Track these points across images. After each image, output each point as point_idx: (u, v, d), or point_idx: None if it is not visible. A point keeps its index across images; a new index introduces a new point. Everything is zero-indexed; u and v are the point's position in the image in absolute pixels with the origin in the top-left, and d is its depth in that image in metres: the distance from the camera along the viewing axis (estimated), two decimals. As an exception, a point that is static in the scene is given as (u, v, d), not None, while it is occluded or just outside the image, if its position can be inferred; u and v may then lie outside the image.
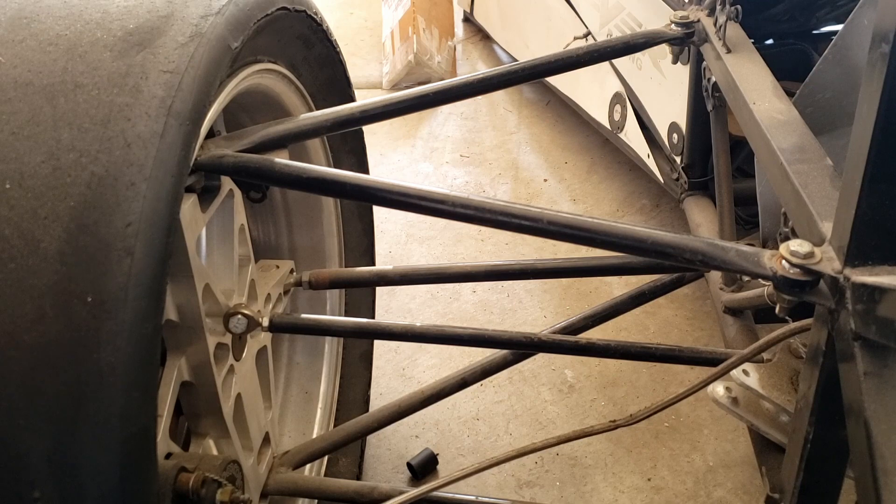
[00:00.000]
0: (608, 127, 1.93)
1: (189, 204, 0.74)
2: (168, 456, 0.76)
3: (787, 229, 0.83)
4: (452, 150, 2.35)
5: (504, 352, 1.10)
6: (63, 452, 0.50)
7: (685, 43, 1.21)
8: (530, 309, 1.71)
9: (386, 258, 1.84)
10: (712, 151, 1.26)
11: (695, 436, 1.38)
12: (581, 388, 1.49)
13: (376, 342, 1.34)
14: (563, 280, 1.76)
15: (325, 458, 1.19)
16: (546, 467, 1.33)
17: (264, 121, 0.83)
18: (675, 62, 1.31)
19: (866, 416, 0.56)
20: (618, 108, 1.87)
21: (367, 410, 1.28)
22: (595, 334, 0.97)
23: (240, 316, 0.77)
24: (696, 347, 0.86)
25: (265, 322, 0.70)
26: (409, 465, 1.32)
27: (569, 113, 2.38)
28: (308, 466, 1.13)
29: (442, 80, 0.91)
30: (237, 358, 0.86)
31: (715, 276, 1.23)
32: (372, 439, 1.36)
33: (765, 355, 0.86)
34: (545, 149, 2.34)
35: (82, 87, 0.56)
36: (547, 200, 2.11)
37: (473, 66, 2.94)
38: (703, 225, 1.38)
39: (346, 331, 0.73)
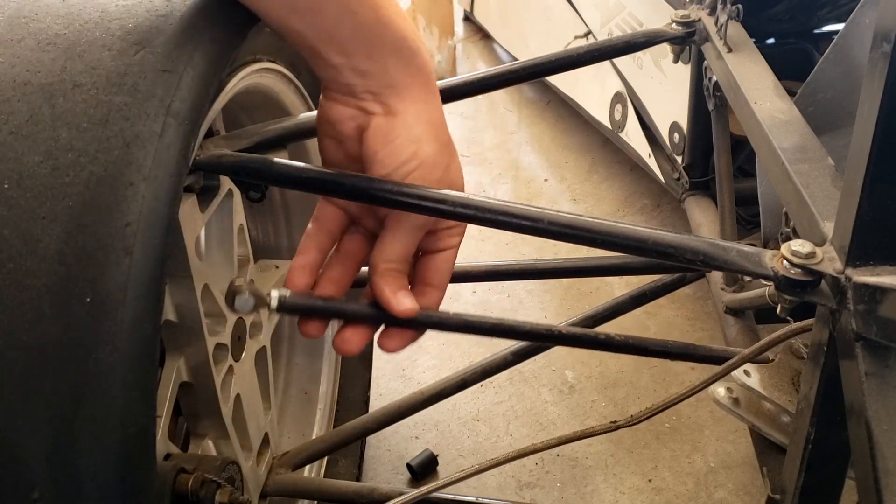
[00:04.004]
0: (609, 126, 1.93)
1: (188, 204, 0.74)
2: (167, 457, 0.76)
3: (788, 229, 0.83)
4: (453, 149, 2.35)
5: (504, 352, 1.10)
6: (62, 453, 0.50)
7: (686, 42, 1.21)
8: (531, 309, 1.71)
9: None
10: (713, 151, 1.26)
11: (696, 437, 1.37)
12: (582, 388, 1.49)
13: (375, 343, 1.33)
14: (564, 280, 1.76)
15: (325, 459, 1.19)
16: (546, 468, 1.33)
17: (263, 120, 0.82)
18: (676, 61, 1.31)
19: (867, 416, 0.56)
20: (618, 107, 1.86)
21: (366, 411, 1.27)
22: (595, 334, 0.96)
23: (247, 294, 0.65)
24: (710, 346, 0.86)
25: (274, 303, 0.65)
26: (408, 466, 1.32)
27: (569, 112, 2.38)
28: (307, 467, 1.13)
29: (442, 79, 0.91)
30: (236, 358, 0.86)
31: (716, 277, 1.23)
32: (371, 440, 1.36)
33: (769, 355, 0.86)
34: (545, 148, 2.34)
35: (81, 86, 0.56)
36: (547, 200, 2.10)
37: (473, 66, 2.94)
38: (705, 225, 1.38)
39: (359, 315, 0.69)
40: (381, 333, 0.66)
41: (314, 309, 0.65)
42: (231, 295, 0.64)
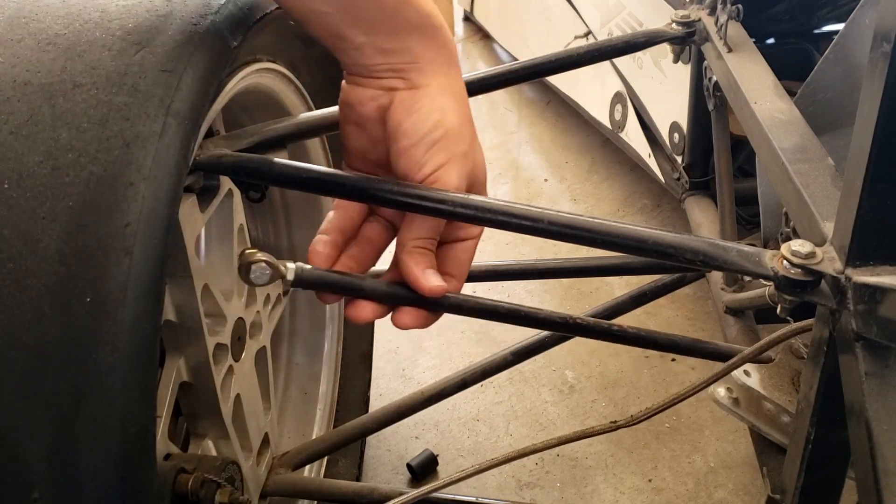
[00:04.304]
0: (609, 126, 1.93)
1: (188, 204, 0.74)
2: (167, 457, 0.76)
3: (788, 229, 0.83)
4: (453, 150, 2.35)
5: (504, 352, 1.10)
6: (62, 453, 0.50)
7: (686, 42, 1.21)
8: (531, 309, 1.71)
9: (386, 257, 1.84)
10: (713, 151, 1.26)
11: (696, 437, 1.37)
12: (582, 388, 1.49)
13: (376, 343, 1.33)
14: (564, 280, 1.76)
15: (325, 459, 1.19)
16: (546, 468, 1.33)
17: (263, 120, 0.82)
18: (676, 61, 1.31)
19: (867, 416, 0.56)
20: (618, 107, 1.86)
21: (366, 411, 1.27)
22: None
23: (263, 264, 0.60)
24: (716, 342, 0.86)
25: (290, 275, 0.60)
26: (408, 466, 1.32)
27: (569, 112, 2.38)
28: (307, 467, 1.13)
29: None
30: (236, 358, 0.86)
31: (716, 277, 1.23)
32: (371, 440, 1.36)
33: (769, 355, 0.86)
34: (545, 148, 2.34)
35: (81, 86, 0.56)
36: (547, 200, 2.10)
37: (473, 66, 2.94)
38: (705, 225, 1.38)
39: (376, 292, 0.69)
40: (396, 312, 0.65)
41: (331, 284, 0.62)
42: (245, 266, 0.60)
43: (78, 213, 0.52)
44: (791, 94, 0.95)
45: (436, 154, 0.61)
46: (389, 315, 0.65)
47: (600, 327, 0.75)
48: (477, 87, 0.97)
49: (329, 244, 0.65)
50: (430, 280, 0.62)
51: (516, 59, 1.66)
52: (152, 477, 0.56)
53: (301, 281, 0.61)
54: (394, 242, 0.68)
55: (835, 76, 0.96)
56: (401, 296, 0.63)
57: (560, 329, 0.75)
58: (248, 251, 0.60)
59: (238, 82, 0.77)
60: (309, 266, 0.62)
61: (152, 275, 0.53)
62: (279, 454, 1.03)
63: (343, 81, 0.64)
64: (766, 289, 0.96)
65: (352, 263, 0.67)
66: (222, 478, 0.75)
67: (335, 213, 0.67)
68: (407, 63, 0.61)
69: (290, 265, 0.61)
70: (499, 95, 2.63)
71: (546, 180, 2.18)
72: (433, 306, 0.64)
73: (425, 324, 0.66)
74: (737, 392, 0.86)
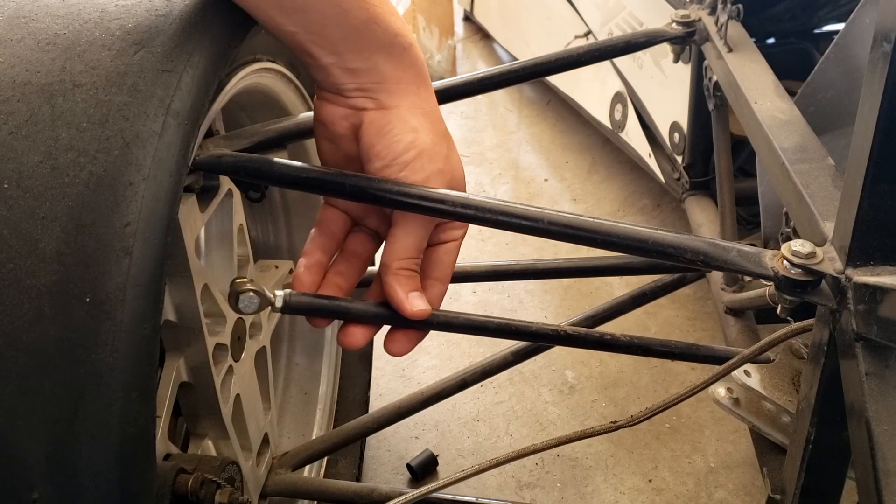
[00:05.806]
0: (609, 126, 1.92)
1: (188, 204, 0.74)
2: (167, 457, 0.76)
3: (788, 229, 0.83)
4: (453, 149, 2.35)
5: (504, 352, 1.10)
6: (62, 453, 0.50)
7: (686, 42, 1.21)
8: (531, 309, 1.71)
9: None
10: (714, 151, 1.26)
11: (696, 437, 1.37)
12: (582, 388, 1.49)
13: (376, 343, 1.33)
14: (564, 280, 1.76)
15: (325, 459, 1.19)
16: (546, 468, 1.33)
17: (263, 120, 0.82)
18: (676, 61, 1.31)
19: (868, 416, 0.56)
20: (619, 107, 1.86)
21: (366, 411, 1.27)
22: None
23: (251, 293, 0.63)
24: (712, 345, 0.86)
25: (279, 303, 0.63)
26: (408, 466, 1.32)
27: (569, 112, 2.38)
28: (307, 468, 1.13)
29: (442, 79, 0.92)
30: (236, 359, 0.86)
31: (716, 277, 1.23)
32: (371, 440, 1.36)
33: (769, 355, 0.86)
34: (546, 148, 2.34)
35: (80, 86, 0.56)
36: (547, 200, 2.10)
37: (473, 65, 2.94)
38: (705, 225, 1.38)
39: (365, 314, 0.69)
40: (387, 338, 0.66)
41: (319, 309, 0.64)
42: (235, 295, 0.63)
43: (77, 214, 0.52)
44: (791, 94, 0.95)
45: (411, 175, 0.61)
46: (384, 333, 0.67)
47: (591, 337, 0.75)
48: (477, 87, 0.97)
49: (313, 268, 0.67)
50: (413, 305, 0.63)
51: (516, 59, 1.66)
52: (152, 477, 0.56)
53: (289, 307, 0.63)
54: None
55: (835, 76, 0.96)
56: (388, 317, 0.65)
57: (550, 341, 0.75)
58: (238, 280, 0.63)
59: (238, 82, 0.77)
60: (297, 292, 0.63)
61: (152, 275, 0.53)
62: (279, 454, 1.03)
63: (315, 97, 0.64)
64: (767, 289, 0.96)
65: (340, 280, 0.68)
66: (222, 478, 0.75)
67: (316, 231, 0.68)
68: (375, 83, 0.61)
69: (279, 293, 0.63)
70: (499, 95, 2.63)
71: (546, 180, 2.18)
72: (423, 326, 0.65)
73: (416, 344, 0.67)
74: (737, 392, 0.86)
